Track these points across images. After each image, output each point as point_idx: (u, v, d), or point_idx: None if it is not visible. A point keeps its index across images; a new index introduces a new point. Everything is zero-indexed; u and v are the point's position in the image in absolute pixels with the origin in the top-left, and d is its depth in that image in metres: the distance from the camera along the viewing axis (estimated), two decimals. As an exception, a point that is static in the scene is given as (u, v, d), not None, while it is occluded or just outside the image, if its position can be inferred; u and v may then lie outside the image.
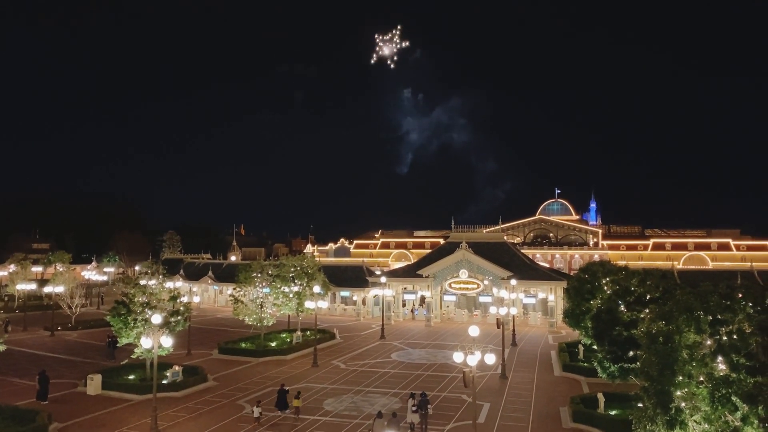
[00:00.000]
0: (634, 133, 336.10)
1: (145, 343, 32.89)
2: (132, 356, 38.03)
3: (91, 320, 65.37)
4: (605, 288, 37.55)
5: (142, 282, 39.16)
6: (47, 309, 70.87)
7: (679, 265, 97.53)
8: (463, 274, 67.24)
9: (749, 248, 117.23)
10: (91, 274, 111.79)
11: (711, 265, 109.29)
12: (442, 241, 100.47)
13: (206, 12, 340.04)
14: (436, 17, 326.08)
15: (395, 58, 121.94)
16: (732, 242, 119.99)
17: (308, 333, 53.09)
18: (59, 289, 63.64)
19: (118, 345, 42.90)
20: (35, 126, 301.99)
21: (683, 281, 47.83)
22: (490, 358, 24.18)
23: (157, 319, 31.92)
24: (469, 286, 67.61)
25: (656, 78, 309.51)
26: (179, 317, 38.65)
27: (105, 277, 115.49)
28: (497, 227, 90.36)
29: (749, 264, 69.65)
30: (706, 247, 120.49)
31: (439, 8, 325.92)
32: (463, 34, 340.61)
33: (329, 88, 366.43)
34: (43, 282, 78.55)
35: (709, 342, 19.43)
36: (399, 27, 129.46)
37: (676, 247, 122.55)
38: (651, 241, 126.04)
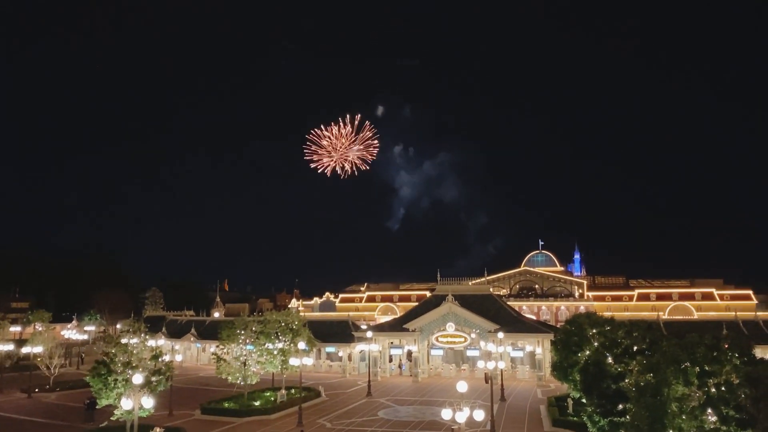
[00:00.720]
0: (615, 184, 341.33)
1: (126, 404, 32.00)
2: (112, 418, 36.79)
3: (70, 381, 63.59)
4: (592, 340, 37.48)
5: (124, 340, 38.40)
6: (24, 370, 69.00)
7: (665, 316, 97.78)
8: (450, 328, 66.79)
9: (733, 297, 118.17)
10: (71, 333, 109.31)
11: (696, 314, 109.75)
12: (428, 293, 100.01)
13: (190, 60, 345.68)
14: (426, 72, 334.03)
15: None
16: (716, 292, 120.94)
17: (293, 391, 52.01)
18: (38, 349, 62.10)
19: (97, 407, 41.64)
20: (11, 180, 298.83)
21: (669, 332, 47.85)
22: (479, 415, 23.86)
23: (138, 379, 31.19)
24: (456, 339, 67.07)
25: (641, 124, 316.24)
26: (161, 376, 37.76)
27: (86, 336, 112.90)
28: (483, 279, 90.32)
29: (734, 313, 69.92)
30: (691, 297, 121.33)
31: (427, 62, 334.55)
32: (450, 90, 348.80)
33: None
34: (21, 342, 76.65)
35: (698, 394, 19.35)
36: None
37: (660, 297, 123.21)
38: (636, 292, 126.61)
